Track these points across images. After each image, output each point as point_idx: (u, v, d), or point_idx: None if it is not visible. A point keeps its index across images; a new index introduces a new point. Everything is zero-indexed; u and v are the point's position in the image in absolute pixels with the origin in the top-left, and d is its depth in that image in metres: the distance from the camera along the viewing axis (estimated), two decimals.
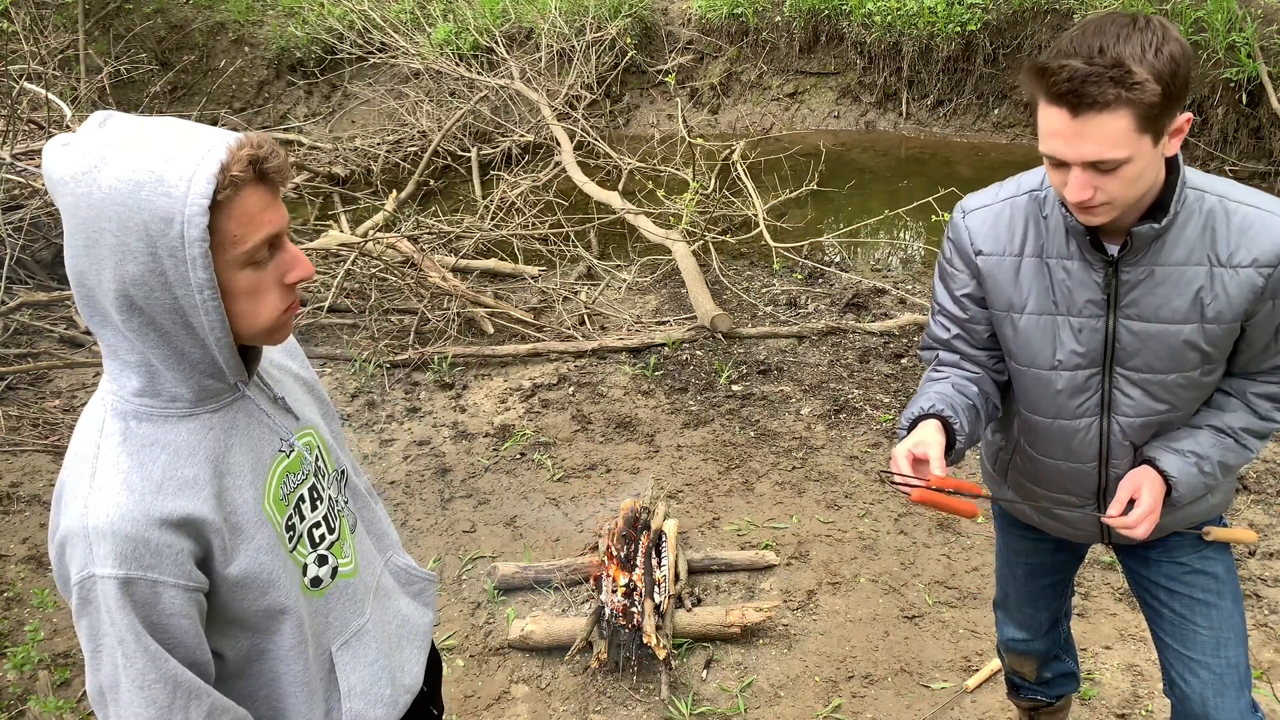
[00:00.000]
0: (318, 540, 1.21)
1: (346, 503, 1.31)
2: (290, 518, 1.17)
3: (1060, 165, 1.32)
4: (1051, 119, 1.28)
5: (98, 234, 0.97)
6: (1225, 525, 1.72)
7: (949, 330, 1.64)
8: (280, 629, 1.15)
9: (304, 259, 1.11)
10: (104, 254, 0.98)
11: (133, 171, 0.96)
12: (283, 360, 1.29)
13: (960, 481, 1.42)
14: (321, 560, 1.21)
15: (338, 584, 1.24)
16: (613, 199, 6.04)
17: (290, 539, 1.16)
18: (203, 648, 1.08)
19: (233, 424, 1.11)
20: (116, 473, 1.02)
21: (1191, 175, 1.43)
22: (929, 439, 1.44)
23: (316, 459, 1.24)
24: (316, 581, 1.20)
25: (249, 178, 1.00)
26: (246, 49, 9.15)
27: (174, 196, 0.96)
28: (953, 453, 1.48)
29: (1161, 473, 1.52)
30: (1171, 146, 1.33)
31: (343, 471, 1.32)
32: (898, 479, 1.42)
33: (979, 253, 1.56)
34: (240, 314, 1.05)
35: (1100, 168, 1.28)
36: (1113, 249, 1.45)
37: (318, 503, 1.23)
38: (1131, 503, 1.53)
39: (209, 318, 1.02)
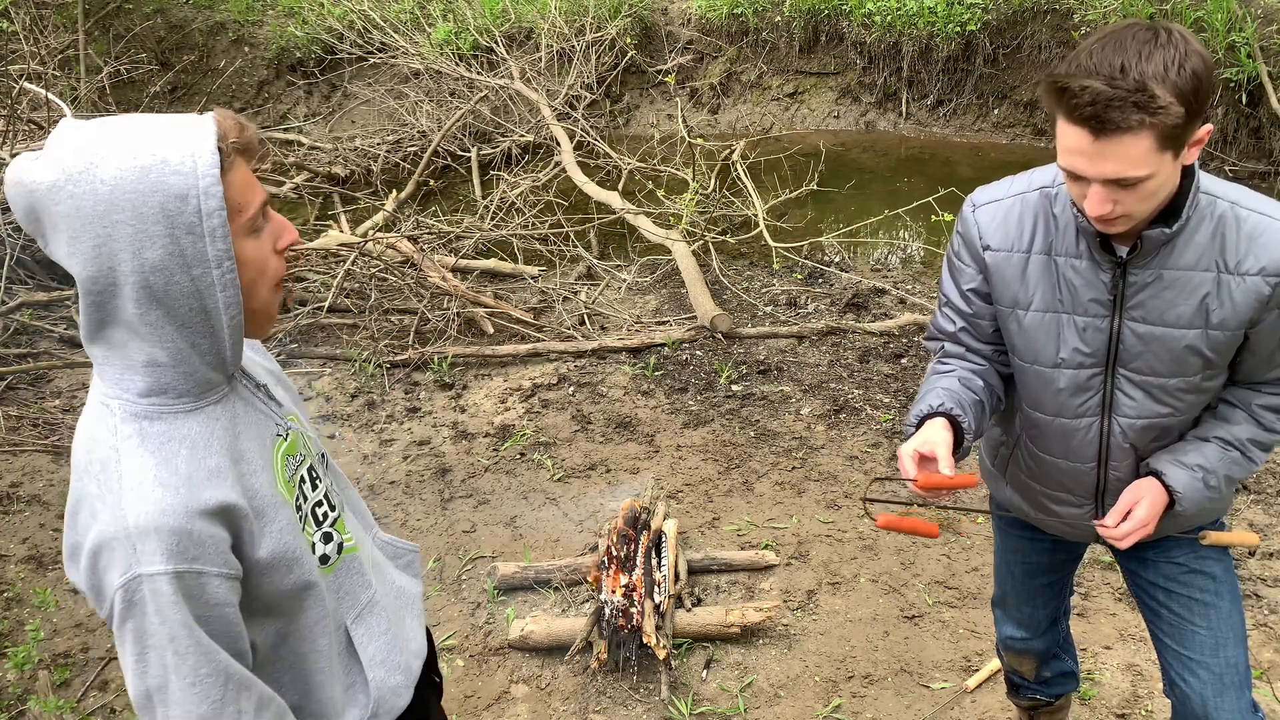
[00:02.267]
0: (321, 519, 1.23)
1: (331, 483, 1.34)
2: (297, 499, 1.19)
3: (1079, 179, 1.32)
4: (1072, 138, 1.27)
5: (110, 229, 0.97)
6: (1224, 528, 1.72)
7: (955, 323, 1.64)
8: (305, 607, 1.17)
9: (290, 224, 1.13)
10: (119, 248, 0.97)
11: (134, 158, 0.97)
12: (249, 354, 1.31)
13: (962, 477, 1.41)
14: (327, 538, 1.23)
15: (345, 559, 1.27)
16: (612, 199, 6.04)
17: (300, 519, 1.19)
18: (244, 636, 1.09)
19: (234, 413, 1.12)
20: (145, 471, 1.02)
21: (1205, 180, 1.42)
22: (936, 438, 1.43)
23: (306, 442, 1.28)
24: (325, 559, 1.23)
25: (238, 147, 1.04)
26: (246, 49, 9.15)
27: (184, 173, 0.98)
28: (959, 450, 1.48)
29: (1167, 487, 1.51)
30: (1190, 156, 1.32)
31: (323, 454, 1.35)
32: (872, 502, 1.46)
33: (987, 247, 1.55)
34: (249, 286, 1.08)
35: (1121, 184, 1.28)
36: (1122, 250, 1.44)
37: (317, 482, 1.25)
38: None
39: (225, 294, 1.03)
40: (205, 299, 1.02)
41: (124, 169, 0.96)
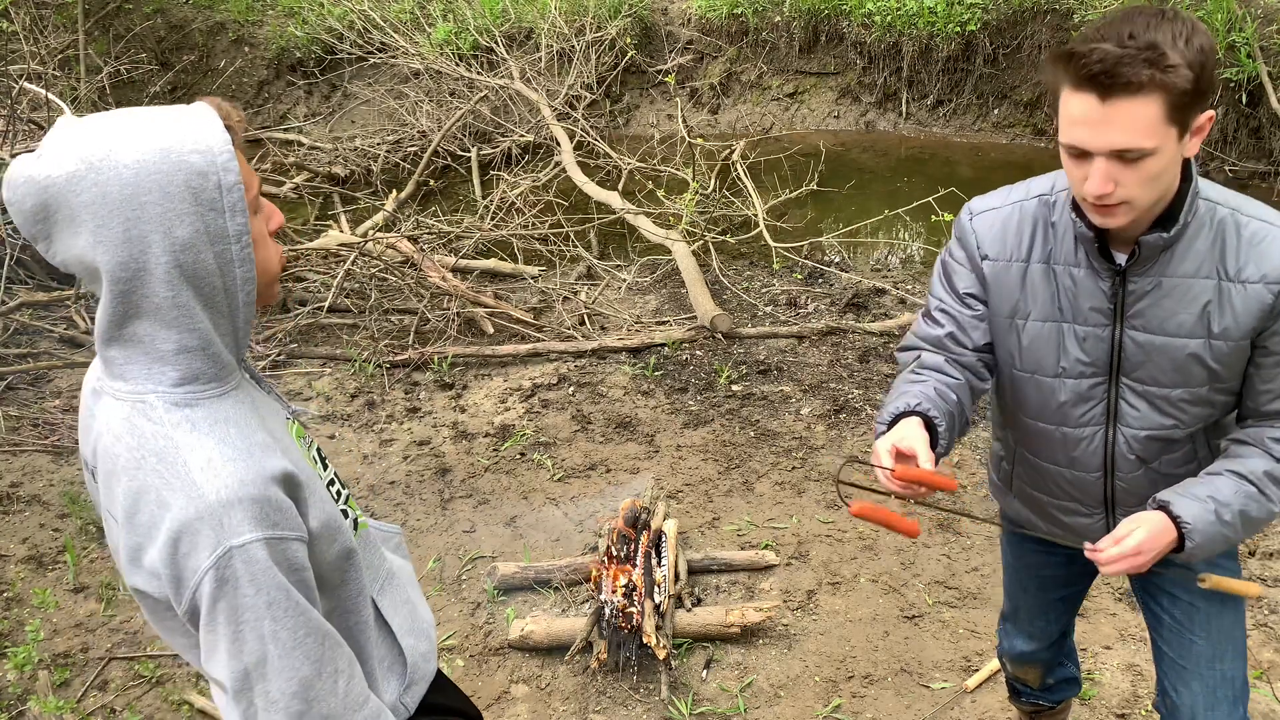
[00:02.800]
0: (335, 497, 1.25)
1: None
2: (318, 474, 1.22)
3: (1082, 156, 1.28)
4: (1078, 105, 1.24)
5: (139, 210, 0.98)
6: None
7: (942, 327, 1.57)
8: (347, 579, 1.19)
9: (276, 208, 1.17)
10: (148, 229, 0.99)
11: (153, 140, 0.99)
12: None
13: (943, 477, 1.33)
14: (343, 514, 1.25)
15: (361, 534, 1.29)
16: (612, 199, 6.03)
17: None
18: (319, 603, 1.11)
19: (251, 397, 1.14)
20: (209, 451, 1.02)
21: (1205, 186, 1.39)
22: (913, 434, 1.36)
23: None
24: None
25: (236, 129, 1.08)
26: (246, 49, 9.15)
27: (202, 150, 1.01)
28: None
29: (1175, 518, 1.39)
30: (1192, 146, 1.29)
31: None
32: (845, 485, 1.41)
33: (985, 257, 1.52)
34: (260, 264, 1.11)
35: (1125, 157, 1.24)
36: (1121, 258, 1.41)
37: (326, 462, 1.28)
38: None
39: (242, 269, 1.05)
40: (225, 276, 1.05)
41: (145, 151, 0.98)
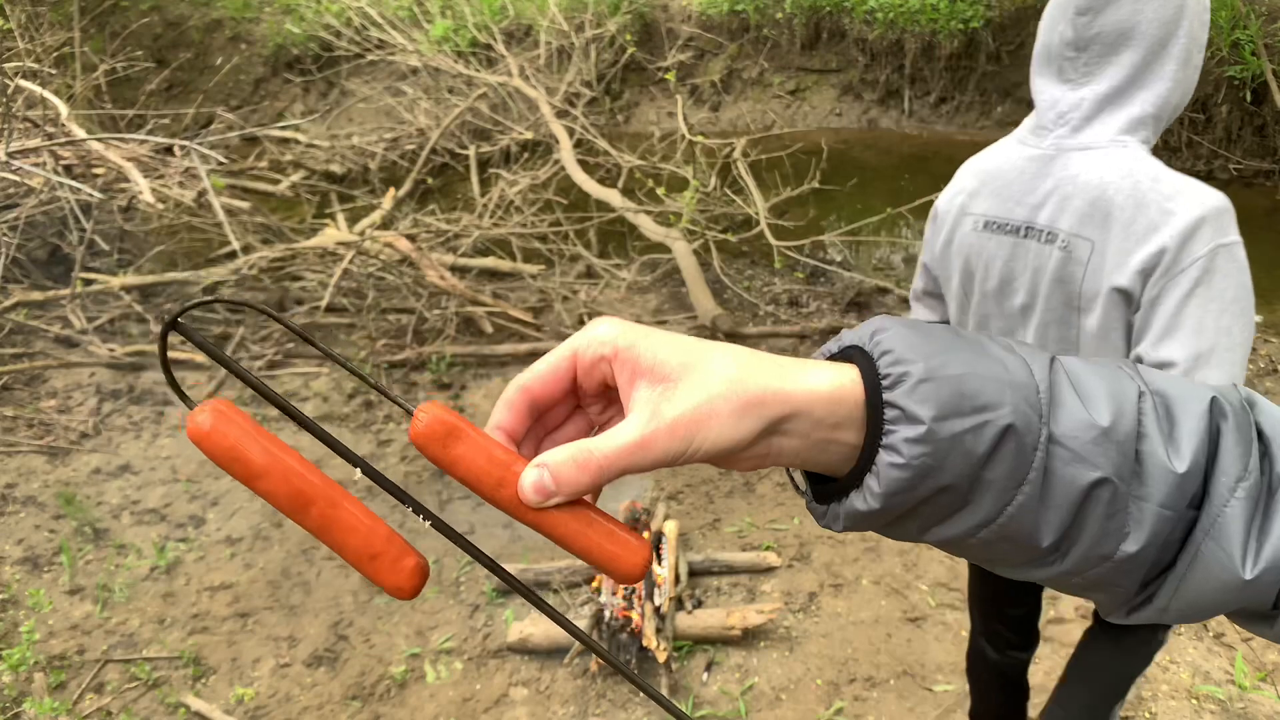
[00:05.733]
0: None
1: None
2: None
3: None
4: None
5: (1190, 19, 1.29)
6: None
7: None
8: None
9: None
10: (1181, 16, 1.28)
11: None
12: None
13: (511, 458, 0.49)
14: None
15: None
16: (612, 197, 6.01)
17: None
18: None
19: None
20: (1183, 180, 1.27)
21: None
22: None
23: None
24: None
25: None
26: (243, 46, 9.12)
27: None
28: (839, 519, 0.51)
29: None
30: None
31: None
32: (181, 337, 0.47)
33: None
34: None
35: None
36: None
37: None
38: None
39: (1197, 73, 1.36)
40: (1193, 71, 1.33)
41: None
